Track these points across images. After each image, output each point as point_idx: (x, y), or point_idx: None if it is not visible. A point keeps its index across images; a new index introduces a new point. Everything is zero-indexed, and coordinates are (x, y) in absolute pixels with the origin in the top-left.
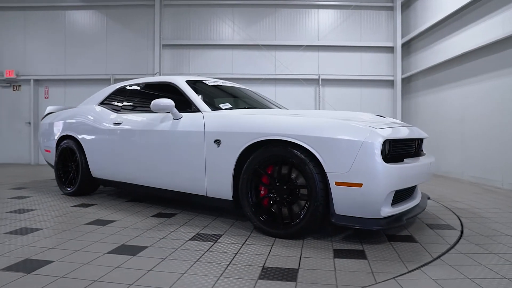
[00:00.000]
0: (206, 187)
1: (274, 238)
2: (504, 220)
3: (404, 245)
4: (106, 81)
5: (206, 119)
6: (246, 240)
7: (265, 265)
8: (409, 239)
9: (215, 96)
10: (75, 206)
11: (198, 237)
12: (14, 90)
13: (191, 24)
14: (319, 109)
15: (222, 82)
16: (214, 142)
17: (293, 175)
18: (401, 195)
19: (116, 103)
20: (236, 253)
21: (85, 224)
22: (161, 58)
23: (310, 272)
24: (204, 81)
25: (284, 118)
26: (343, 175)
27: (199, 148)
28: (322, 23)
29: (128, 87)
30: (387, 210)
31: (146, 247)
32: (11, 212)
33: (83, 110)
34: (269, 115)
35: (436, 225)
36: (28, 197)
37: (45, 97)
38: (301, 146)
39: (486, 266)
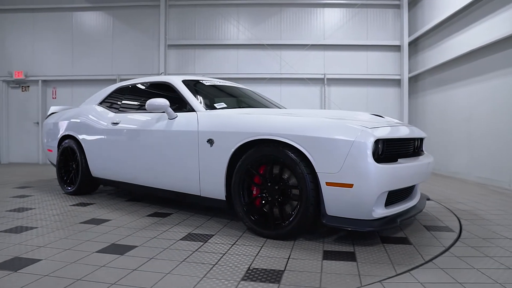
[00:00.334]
0: (200, 187)
1: (265, 239)
2: (506, 222)
3: (397, 247)
4: (112, 81)
5: (200, 118)
6: (237, 240)
7: (251, 266)
8: (404, 241)
9: (212, 95)
10: (73, 205)
11: (189, 237)
12: (23, 91)
13: (196, 24)
14: (325, 108)
15: (220, 82)
16: (207, 141)
17: (286, 175)
18: (396, 196)
19: (115, 103)
20: (224, 254)
21: (80, 223)
22: (166, 58)
23: (296, 274)
24: (201, 81)
25: (276, 118)
26: (334, 175)
27: (193, 147)
28: (327, 22)
29: (126, 87)
30: (380, 212)
31: (136, 246)
32: (10, 210)
33: (83, 110)
34: (262, 114)
35: (433, 227)
36: (30, 196)
37: (53, 97)
38: (292, 146)
39: (479, 270)
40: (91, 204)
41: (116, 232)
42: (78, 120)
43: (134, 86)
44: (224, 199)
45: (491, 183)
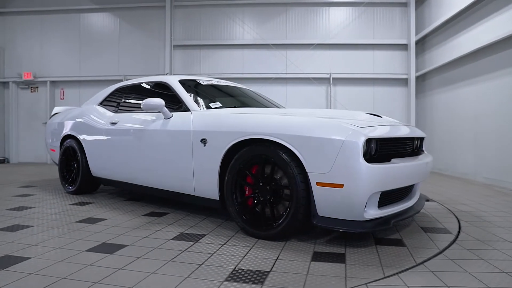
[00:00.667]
0: (194, 186)
1: (256, 240)
2: (507, 224)
3: (390, 249)
4: (119, 82)
5: (194, 118)
6: (228, 240)
7: (237, 267)
8: (398, 242)
9: (209, 95)
10: (72, 204)
11: (180, 237)
12: (31, 92)
13: (202, 24)
14: (331, 108)
15: (219, 82)
16: (201, 141)
17: (278, 176)
18: (392, 196)
19: (114, 103)
20: (213, 254)
21: (75, 222)
22: (172, 59)
23: (281, 275)
24: (199, 81)
25: (268, 117)
26: (324, 175)
27: (187, 147)
28: (333, 21)
29: (125, 87)
30: (372, 212)
31: (126, 245)
32: (10, 209)
33: (84, 110)
34: (254, 114)
35: (431, 229)
36: (32, 195)
37: (61, 98)
38: (283, 146)
39: (471, 273)
40: (90, 203)
41: (110, 231)
42: (79, 120)
43: (132, 86)
44: (218, 199)
45: (498, 184)
